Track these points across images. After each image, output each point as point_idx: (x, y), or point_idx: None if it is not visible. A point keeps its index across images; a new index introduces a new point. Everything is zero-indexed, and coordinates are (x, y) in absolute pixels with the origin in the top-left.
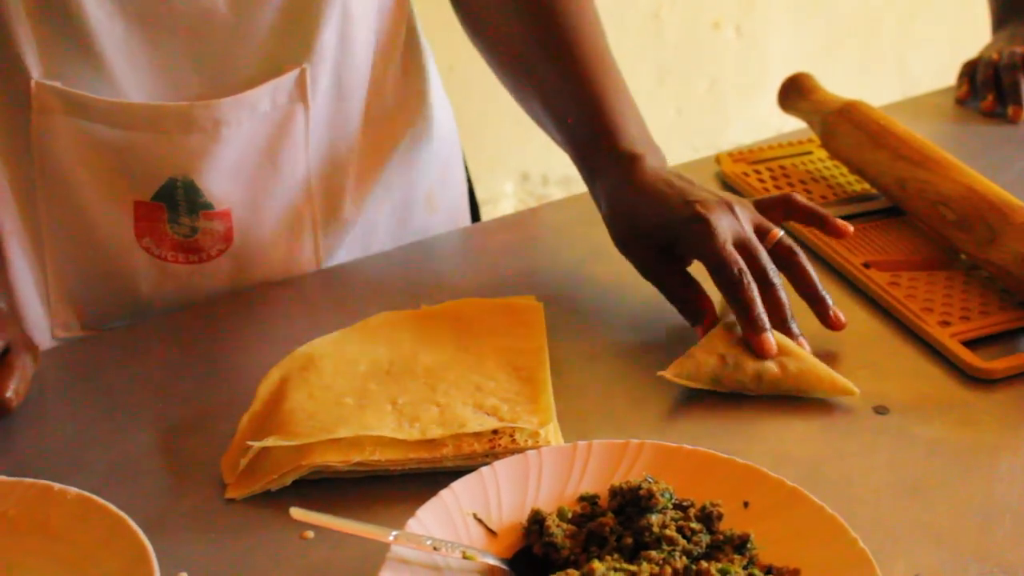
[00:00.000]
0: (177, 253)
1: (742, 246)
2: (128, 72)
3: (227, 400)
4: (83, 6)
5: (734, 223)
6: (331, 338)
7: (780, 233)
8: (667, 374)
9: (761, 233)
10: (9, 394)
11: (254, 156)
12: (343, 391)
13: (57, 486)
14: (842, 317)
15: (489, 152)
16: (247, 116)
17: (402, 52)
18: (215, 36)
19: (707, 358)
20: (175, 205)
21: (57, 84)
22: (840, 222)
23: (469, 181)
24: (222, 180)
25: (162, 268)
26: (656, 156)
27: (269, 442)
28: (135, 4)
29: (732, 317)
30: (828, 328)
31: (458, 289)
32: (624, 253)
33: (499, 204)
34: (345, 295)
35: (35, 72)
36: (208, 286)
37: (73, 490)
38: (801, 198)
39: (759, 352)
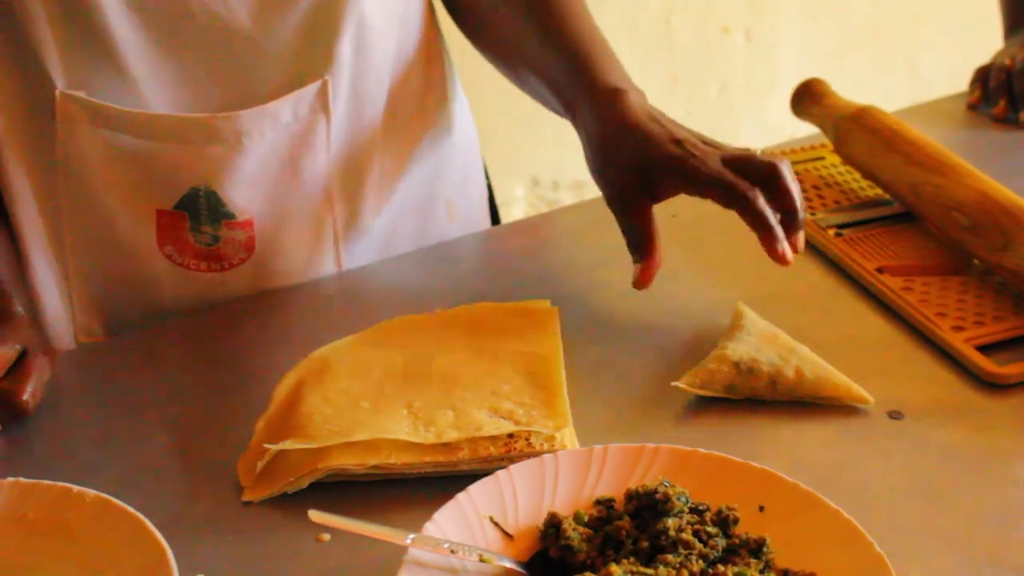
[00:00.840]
0: (199, 261)
1: (732, 162)
2: (151, 83)
3: (243, 403)
4: (107, 19)
5: (719, 151)
6: (347, 342)
7: (758, 150)
8: (681, 384)
9: (744, 151)
10: (26, 397)
11: (276, 166)
12: (359, 395)
13: (76, 488)
14: (789, 253)
15: (500, 157)
16: (269, 127)
17: (424, 60)
18: (237, 50)
19: (720, 366)
20: (197, 214)
21: (81, 94)
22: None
23: (489, 187)
24: (244, 190)
25: (184, 276)
26: (636, 91)
27: (286, 445)
28: (158, 19)
29: (741, 331)
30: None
31: (473, 293)
32: (598, 179)
33: (510, 209)
34: (360, 299)
35: (59, 83)
36: (230, 293)
37: (92, 492)
38: (762, 156)
39: (776, 259)
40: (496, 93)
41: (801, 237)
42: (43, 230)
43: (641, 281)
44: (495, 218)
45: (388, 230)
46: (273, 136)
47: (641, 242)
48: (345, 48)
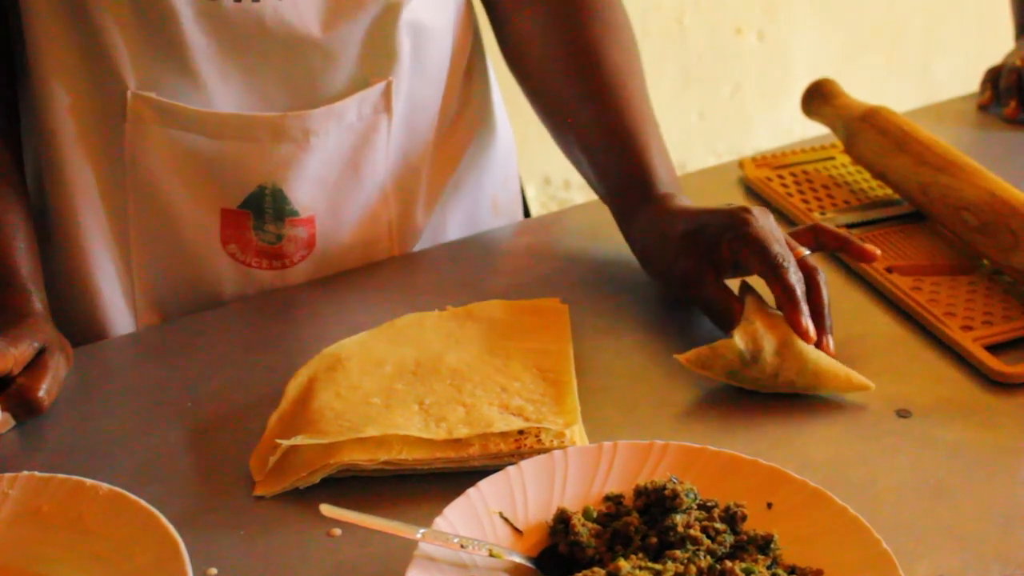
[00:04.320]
0: (261, 259)
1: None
2: (219, 85)
3: (255, 399)
4: (181, 26)
5: (774, 226)
6: (358, 339)
7: (805, 252)
8: (682, 358)
9: (789, 247)
10: (41, 394)
11: (338, 164)
12: (370, 391)
13: (89, 482)
14: (831, 346)
15: None
16: (335, 126)
17: (468, 59)
18: (306, 55)
19: (725, 351)
20: (261, 212)
21: (152, 95)
22: (867, 247)
23: (525, 203)
24: (309, 188)
25: (246, 274)
26: (683, 197)
27: (298, 440)
28: (231, 26)
29: (747, 322)
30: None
31: (483, 291)
32: (661, 277)
33: None
34: (372, 296)
35: (131, 83)
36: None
37: (105, 486)
38: (828, 225)
39: (799, 333)
40: (506, 94)
41: (831, 340)
42: (107, 228)
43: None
44: (526, 211)
45: (438, 226)
46: (338, 135)
47: (726, 312)
48: (405, 50)
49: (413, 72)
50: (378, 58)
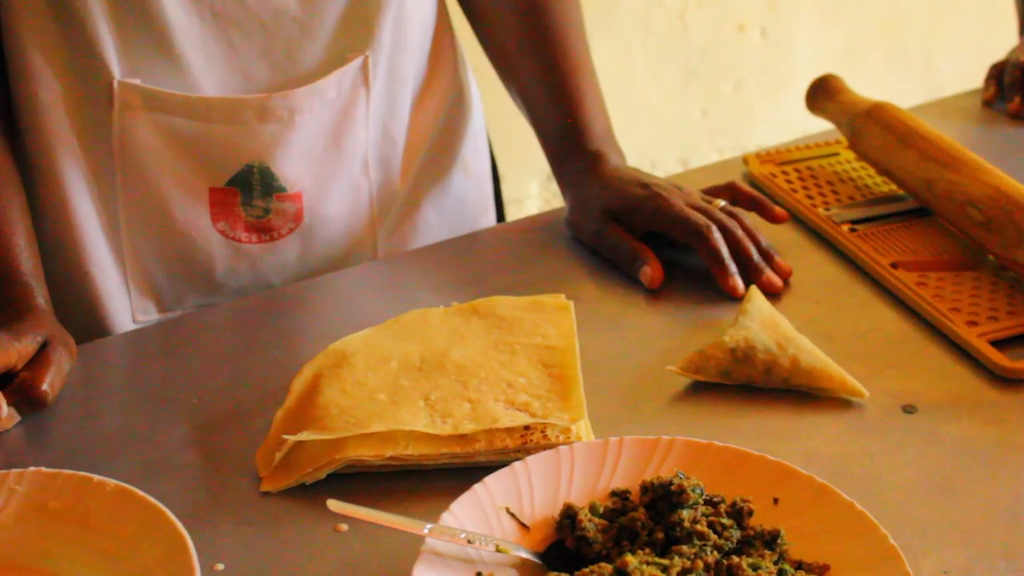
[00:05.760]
0: (250, 233)
1: (696, 208)
2: (204, 67)
3: (261, 395)
4: (163, 7)
5: (686, 195)
6: (363, 335)
7: (723, 203)
8: (675, 368)
9: (706, 201)
10: (45, 387)
11: (322, 140)
12: (376, 387)
13: (96, 478)
14: (740, 287)
15: (514, 152)
16: (318, 103)
17: (440, 27)
18: (285, 31)
19: (715, 352)
20: (250, 189)
21: (137, 82)
22: (777, 208)
23: (496, 179)
24: (295, 164)
25: (236, 248)
26: (617, 154)
27: (304, 436)
28: (212, 5)
29: (745, 316)
30: (722, 287)
31: (488, 287)
32: (579, 231)
33: (524, 204)
34: (376, 293)
35: (116, 71)
36: (278, 263)
37: (112, 482)
38: (744, 185)
39: (728, 291)
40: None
41: (769, 277)
42: (98, 216)
43: (653, 279)
44: (495, 173)
45: (414, 192)
46: (321, 111)
47: (630, 251)
48: (387, 25)
49: (394, 46)
50: (357, 33)
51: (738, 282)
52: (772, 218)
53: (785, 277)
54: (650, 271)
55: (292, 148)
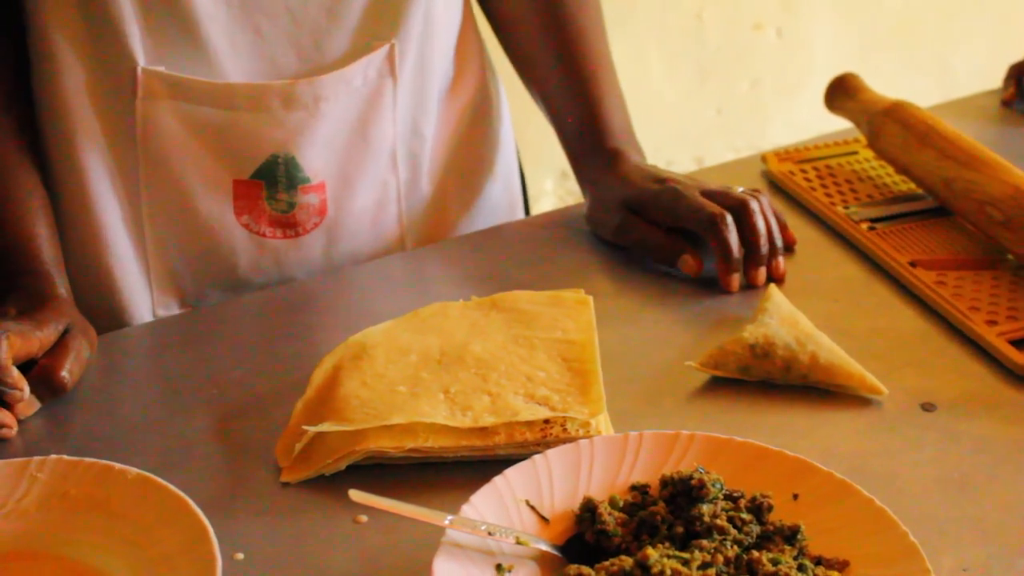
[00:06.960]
0: (275, 229)
1: (710, 195)
2: (229, 54)
3: (280, 387)
4: None
5: (701, 185)
6: (383, 327)
7: (739, 189)
8: (694, 364)
9: (723, 191)
10: (64, 373)
11: (347, 130)
12: (396, 380)
13: (118, 466)
14: (734, 285)
15: (530, 150)
16: (344, 91)
17: (467, 25)
18: (312, 17)
19: (735, 348)
20: (274, 182)
21: (161, 69)
22: (789, 231)
23: (521, 170)
24: (319, 154)
25: (260, 244)
26: (636, 151)
27: (324, 427)
28: None
29: (764, 314)
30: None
31: (507, 281)
32: (600, 228)
33: (539, 201)
34: (396, 286)
35: (141, 59)
36: (303, 259)
37: (133, 470)
38: (769, 200)
39: (723, 285)
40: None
41: (776, 265)
42: (120, 209)
43: (694, 266)
44: (523, 177)
45: (441, 191)
46: (347, 100)
47: (663, 243)
48: (414, 15)
49: (423, 36)
50: (383, 21)
51: (734, 281)
52: (784, 241)
53: (776, 278)
54: (691, 259)
55: (317, 136)
